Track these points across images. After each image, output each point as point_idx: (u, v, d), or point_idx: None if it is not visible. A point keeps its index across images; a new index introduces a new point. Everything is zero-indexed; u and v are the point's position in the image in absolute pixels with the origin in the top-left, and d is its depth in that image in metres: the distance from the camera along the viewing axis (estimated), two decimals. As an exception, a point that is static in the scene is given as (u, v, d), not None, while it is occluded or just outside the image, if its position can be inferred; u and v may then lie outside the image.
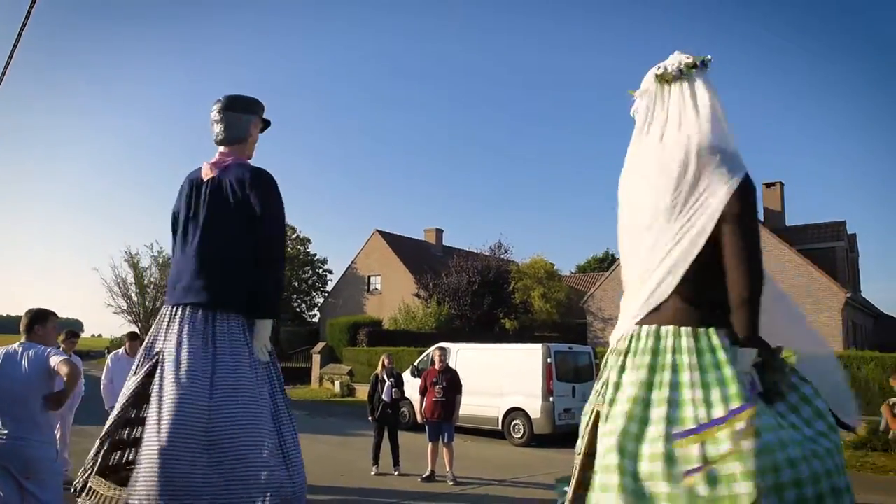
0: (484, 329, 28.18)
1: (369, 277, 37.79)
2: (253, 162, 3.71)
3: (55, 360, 4.01)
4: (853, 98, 63.40)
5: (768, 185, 28.58)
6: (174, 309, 3.38)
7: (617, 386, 2.37)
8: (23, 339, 4.22)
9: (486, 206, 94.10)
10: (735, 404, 2.08)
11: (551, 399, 12.50)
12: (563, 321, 32.02)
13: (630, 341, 2.40)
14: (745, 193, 2.28)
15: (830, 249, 25.96)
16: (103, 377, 7.75)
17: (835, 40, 72.88)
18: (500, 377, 13.21)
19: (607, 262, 47.12)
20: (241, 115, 3.64)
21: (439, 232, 41.65)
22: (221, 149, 3.66)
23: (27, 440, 3.94)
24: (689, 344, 2.26)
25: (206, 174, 3.59)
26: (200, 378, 3.11)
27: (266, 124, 3.83)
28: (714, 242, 2.29)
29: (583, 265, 55.72)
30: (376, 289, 37.25)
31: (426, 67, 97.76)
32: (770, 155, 74.09)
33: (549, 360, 12.76)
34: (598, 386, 2.56)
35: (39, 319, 4.33)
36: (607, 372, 2.49)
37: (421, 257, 36.42)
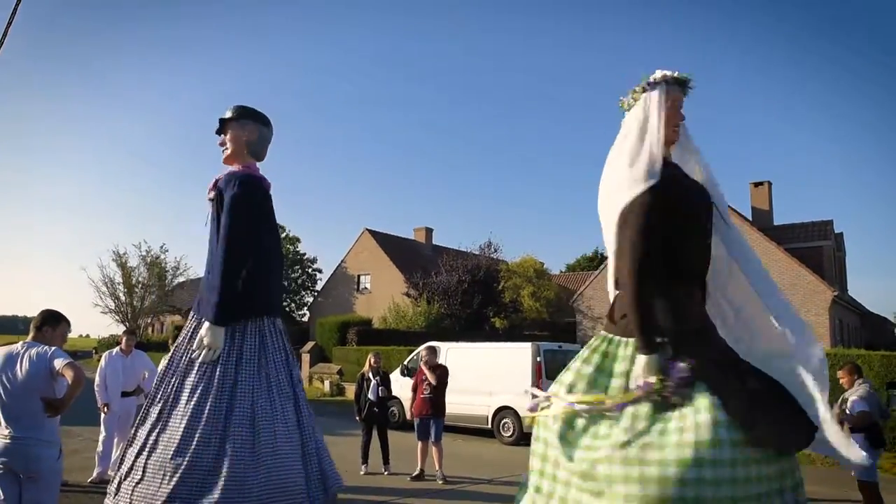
0: (474, 328, 28.19)
1: (359, 276, 37.74)
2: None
3: (60, 363, 3.96)
4: (842, 99, 63.90)
5: (756, 185, 28.77)
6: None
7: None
8: (28, 338, 4.20)
9: (476, 205, 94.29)
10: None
11: (541, 398, 12.49)
12: (552, 320, 32.09)
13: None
14: (633, 206, 2.63)
15: (817, 248, 26.16)
16: (97, 376, 7.70)
17: (823, 40, 73.41)
18: (490, 376, 13.23)
19: (596, 261, 47.21)
20: None
21: (429, 231, 41.67)
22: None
23: (30, 439, 3.93)
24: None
25: (210, 192, 3.73)
26: None
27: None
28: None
29: (572, 264, 55.80)
30: (366, 288, 37.21)
31: (416, 66, 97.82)
32: (758, 154, 74.56)
33: (538, 359, 12.78)
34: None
35: (51, 321, 4.31)
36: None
37: (411, 256, 36.40)
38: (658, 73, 2.71)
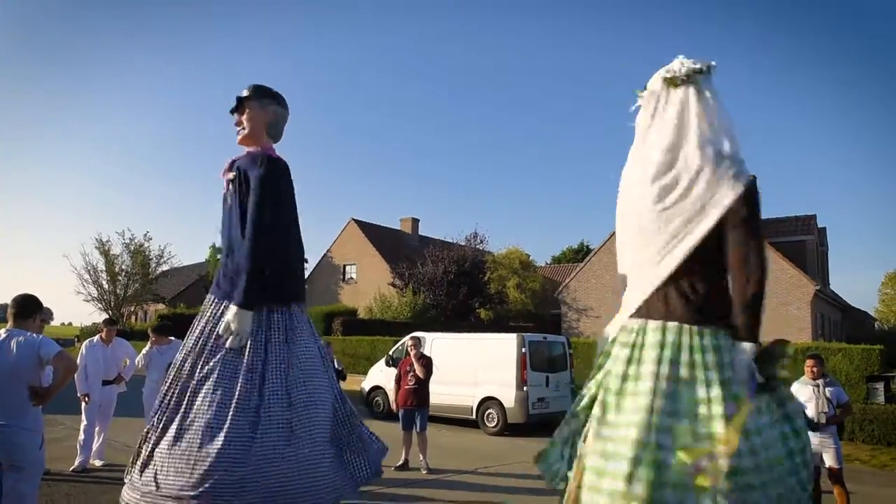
0: (459, 319, 28.25)
1: (345, 266, 37.65)
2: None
3: (52, 352, 3.95)
4: (828, 94, 64.38)
5: (741, 179, 28.96)
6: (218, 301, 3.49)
7: (624, 377, 2.42)
8: (8, 325, 4.15)
9: (463, 196, 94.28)
10: (732, 404, 2.19)
11: (525, 388, 12.57)
12: (537, 311, 32.20)
13: (638, 334, 2.45)
14: (751, 197, 2.33)
15: (801, 243, 26.38)
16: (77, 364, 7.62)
17: (808, 36, 73.90)
18: (475, 367, 13.25)
19: (582, 253, 47.46)
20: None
21: (415, 221, 41.62)
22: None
23: (13, 426, 3.89)
24: (695, 342, 2.32)
25: (227, 173, 3.62)
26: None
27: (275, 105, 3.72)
28: (716, 243, 2.35)
29: (558, 256, 56.06)
30: (352, 278, 37.14)
31: (401, 59, 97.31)
32: (743, 148, 74.75)
33: (523, 350, 12.82)
34: (598, 376, 2.61)
35: (39, 308, 4.31)
36: (610, 362, 2.55)
37: (397, 246, 36.35)
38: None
